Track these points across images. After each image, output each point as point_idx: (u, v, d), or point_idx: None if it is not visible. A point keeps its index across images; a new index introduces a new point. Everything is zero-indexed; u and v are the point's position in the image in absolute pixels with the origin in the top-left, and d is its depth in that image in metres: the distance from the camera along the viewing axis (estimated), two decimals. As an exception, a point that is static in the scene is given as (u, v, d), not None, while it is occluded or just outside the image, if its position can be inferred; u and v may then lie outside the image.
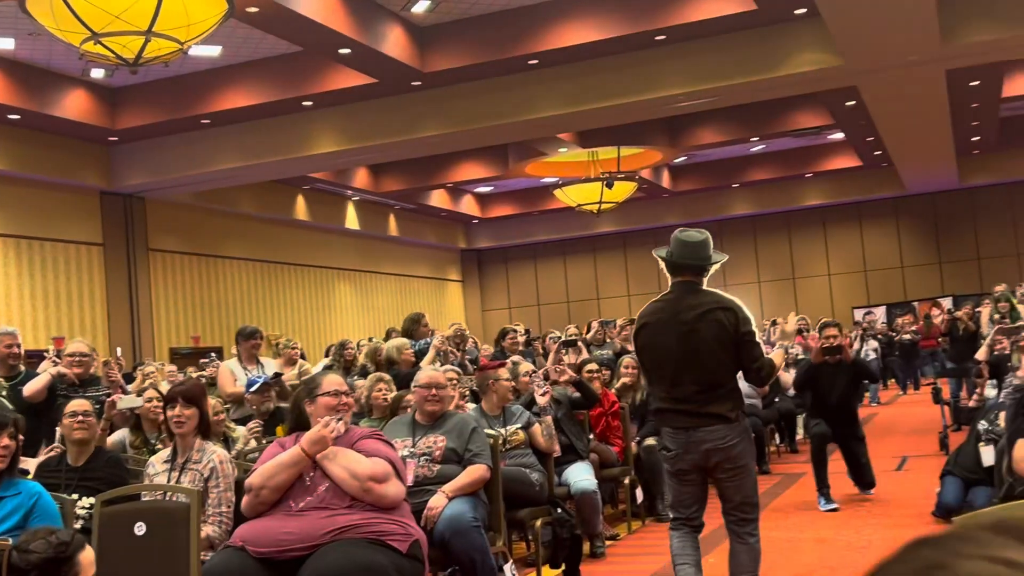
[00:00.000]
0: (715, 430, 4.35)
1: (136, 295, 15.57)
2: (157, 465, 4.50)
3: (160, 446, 5.61)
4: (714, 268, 4.55)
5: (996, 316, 11.24)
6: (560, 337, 10.21)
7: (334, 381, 4.19)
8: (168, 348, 16.05)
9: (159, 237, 16.26)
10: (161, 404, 4.89)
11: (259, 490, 3.86)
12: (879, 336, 18.37)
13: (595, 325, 11.34)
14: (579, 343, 9.25)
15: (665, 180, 21.13)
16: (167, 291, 16.39)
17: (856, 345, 16.88)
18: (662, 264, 4.58)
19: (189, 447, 4.43)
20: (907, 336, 18.02)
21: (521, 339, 10.43)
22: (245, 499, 3.93)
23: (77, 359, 6.52)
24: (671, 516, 4.63)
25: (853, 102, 14.96)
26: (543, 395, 6.11)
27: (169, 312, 16.40)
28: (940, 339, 15.25)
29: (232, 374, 7.22)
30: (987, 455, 6.44)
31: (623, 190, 17.57)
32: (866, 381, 8.46)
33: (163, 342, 16.09)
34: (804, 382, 8.02)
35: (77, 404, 4.87)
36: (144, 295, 15.76)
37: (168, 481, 4.35)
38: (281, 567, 3.68)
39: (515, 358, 8.40)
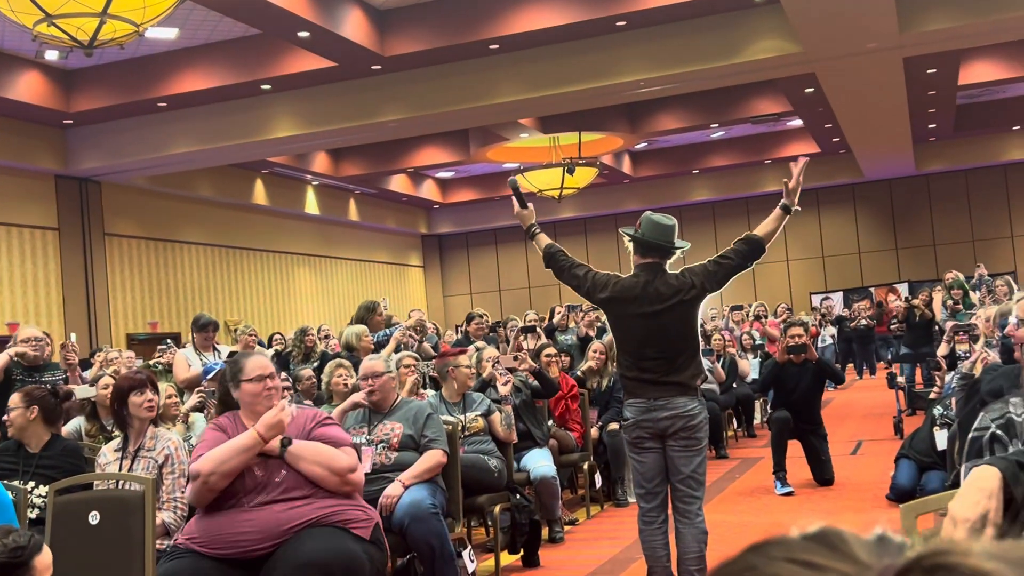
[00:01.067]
0: (676, 401, 4.43)
1: (92, 280, 15.39)
2: (109, 454, 4.46)
3: (117, 434, 5.55)
4: (675, 256, 4.58)
5: (949, 302, 11.39)
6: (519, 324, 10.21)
7: (259, 364, 3.90)
8: (125, 334, 15.89)
9: (115, 221, 16.07)
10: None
11: (208, 476, 3.61)
12: (845, 319, 18.62)
13: (561, 309, 11.31)
14: (538, 329, 9.26)
15: (626, 166, 21.19)
16: (124, 276, 16.21)
17: (823, 333, 17.16)
18: (628, 243, 4.60)
19: (143, 434, 4.39)
20: (863, 322, 18.24)
21: (487, 324, 10.42)
22: (191, 487, 3.69)
23: (33, 343, 6.49)
24: (639, 505, 4.65)
25: (812, 89, 15.06)
26: (505, 384, 6.12)
27: (126, 298, 16.22)
28: (892, 326, 15.49)
29: (187, 361, 7.22)
30: (941, 439, 6.54)
31: (584, 176, 17.58)
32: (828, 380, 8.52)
33: (120, 328, 15.91)
34: (768, 382, 8.10)
35: (13, 397, 4.82)
36: (100, 280, 15.58)
37: (120, 469, 4.31)
38: (239, 564, 3.57)
39: (479, 343, 8.42)
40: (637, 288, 4.51)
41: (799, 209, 4.60)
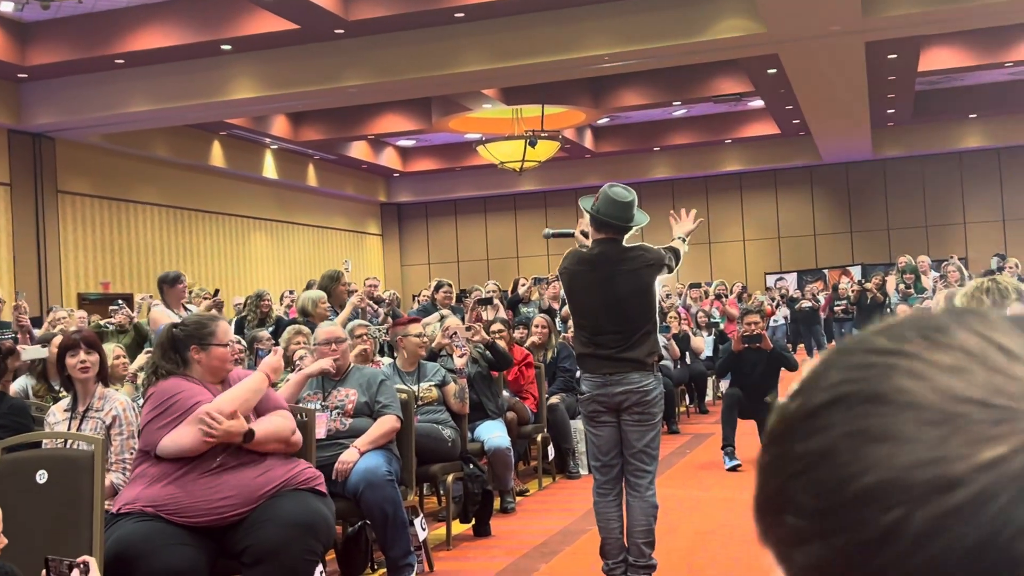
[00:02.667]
0: (631, 376, 4.45)
1: (44, 238, 15.14)
2: (58, 414, 4.41)
3: (64, 394, 5.48)
4: (634, 230, 4.59)
5: (902, 286, 11.55)
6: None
7: (227, 330, 3.93)
8: (76, 293, 15.67)
9: (69, 179, 15.80)
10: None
11: (233, 415, 3.61)
12: (794, 300, 18.81)
13: (526, 281, 11.26)
14: (495, 300, 9.26)
15: (588, 141, 21.18)
16: (76, 235, 15.97)
17: (777, 313, 17.35)
18: (586, 216, 4.62)
19: (90, 394, 4.35)
20: (807, 303, 18.42)
21: (454, 294, 10.41)
22: (196, 430, 3.57)
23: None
24: (594, 477, 4.67)
25: (774, 70, 15.13)
26: (461, 356, 6.12)
27: (78, 257, 15.99)
28: (835, 308, 15.74)
29: (168, 319, 7.00)
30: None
31: (546, 149, 17.54)
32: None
33: (71, 287, 15.69)
34: (726, 368, 8.22)
35: None
36: (52, 238, 15.34)
37: (69, 429, 4.26)
38: (206, 530, 3.56)
39: (444, 311, 8.43)
40: (591, 259, 4.54)
41: (687, 250, 4.87)
